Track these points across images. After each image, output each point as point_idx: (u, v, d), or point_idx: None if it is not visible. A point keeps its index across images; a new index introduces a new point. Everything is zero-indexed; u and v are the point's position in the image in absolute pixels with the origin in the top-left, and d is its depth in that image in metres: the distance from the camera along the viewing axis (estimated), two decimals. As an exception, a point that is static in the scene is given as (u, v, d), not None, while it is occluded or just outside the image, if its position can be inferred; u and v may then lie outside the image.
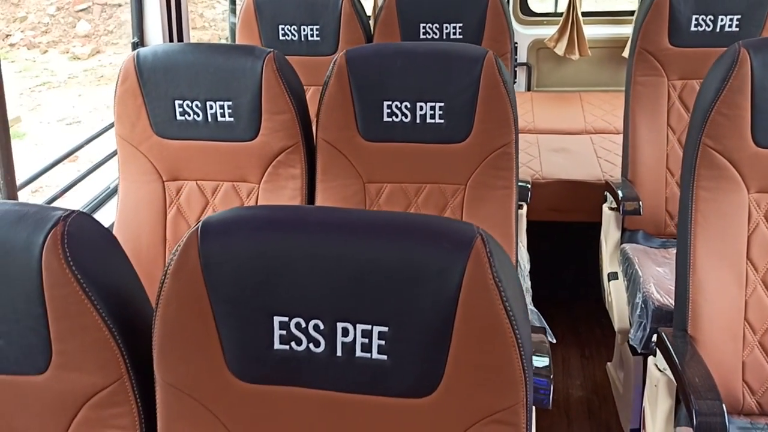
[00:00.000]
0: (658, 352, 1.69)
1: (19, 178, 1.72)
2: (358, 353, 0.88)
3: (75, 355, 0.95)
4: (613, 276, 2.34)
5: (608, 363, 2.63)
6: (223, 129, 1.76)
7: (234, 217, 0.91)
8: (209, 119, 1.75)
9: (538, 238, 2.37)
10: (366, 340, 0.87)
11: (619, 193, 2.24)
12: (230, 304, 0.90)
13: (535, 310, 2.08)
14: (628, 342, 2.20)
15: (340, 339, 0.88)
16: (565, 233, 2.80)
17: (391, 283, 0.86)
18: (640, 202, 2.19)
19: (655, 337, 1.71)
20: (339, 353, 0.89)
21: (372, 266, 0.86)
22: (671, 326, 2.02)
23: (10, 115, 1.63)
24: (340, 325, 0.88)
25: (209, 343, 0.92)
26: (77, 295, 0.92)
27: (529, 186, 2.17)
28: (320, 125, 1.77)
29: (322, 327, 0.88)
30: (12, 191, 1.67)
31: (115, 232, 1.81)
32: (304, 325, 0.88)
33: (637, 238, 2.39)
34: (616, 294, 2.27)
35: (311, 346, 0.89)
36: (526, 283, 2.17)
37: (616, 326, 2.24)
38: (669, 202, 2.39)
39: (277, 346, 0.90)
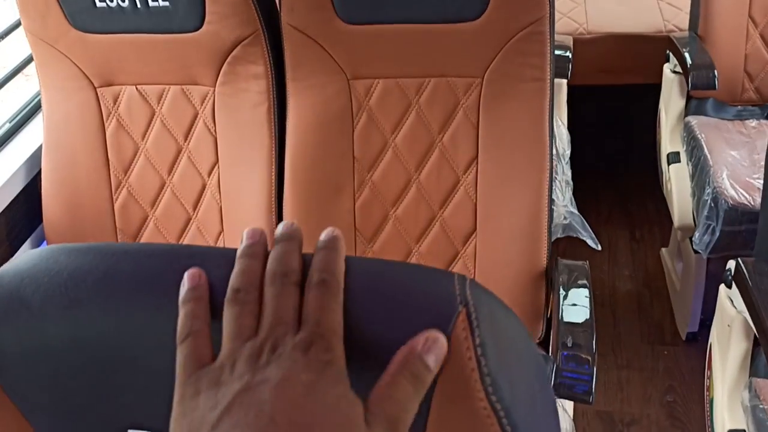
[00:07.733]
0: (734, 285, 1.32)
1: None
2: None
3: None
4: (674, 158, 1.91)
5: (663, 249, 2.26)
6: (158, 17, 1.33)
7: None
8: (138, 4, 1.31)
9: (582, 104, 1.91)
10: None
11: (687, 57, 1.75)
12: None
13: (577, 213, 1.70)
14: (690, 242, 1.82)
15: None
16: (615, 98, 2.32)
17: None
18: (715, 72, 1.71)
19: (731, 265, 1.34)
20: None
21: None
22: (745, 230, 1.65)
23: None
24: None
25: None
26: None
27: (570, 56, 1.69)
28: (284, 6, 1.32)
29: None
30: None
31: (44, 157, 1.45)
32: None
33: (706, 109, 1.93)
34: (677, 181, 1.85)
35: None
36: (566, 174, 1.77)
37: (677, 222, 1.85)
38: (749, 60, 1.90)
39: None
